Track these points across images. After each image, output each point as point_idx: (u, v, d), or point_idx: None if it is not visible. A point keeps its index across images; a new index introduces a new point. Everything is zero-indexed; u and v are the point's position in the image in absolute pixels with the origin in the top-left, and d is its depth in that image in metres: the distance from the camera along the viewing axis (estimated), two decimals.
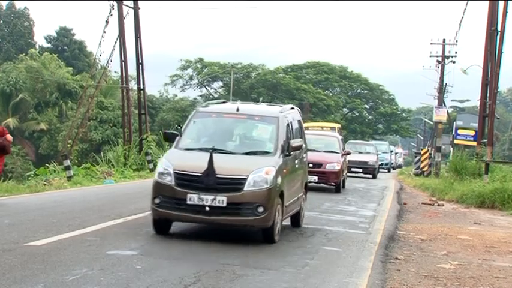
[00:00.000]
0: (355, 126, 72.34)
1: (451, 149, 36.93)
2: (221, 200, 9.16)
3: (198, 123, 10.70)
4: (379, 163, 37.87)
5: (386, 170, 43.19)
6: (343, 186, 21.67)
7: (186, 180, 9.33)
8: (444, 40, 43.87)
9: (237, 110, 10.61)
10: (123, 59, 28.53)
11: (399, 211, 16.52)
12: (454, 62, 43.45)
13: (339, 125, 42.31)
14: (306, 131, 26.08)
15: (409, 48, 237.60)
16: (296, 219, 11.69)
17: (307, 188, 12.43)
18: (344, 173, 21.55)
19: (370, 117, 76.53)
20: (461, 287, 8.06)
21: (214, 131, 10.62)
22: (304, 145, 11.59)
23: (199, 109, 11.12)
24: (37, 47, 67.51)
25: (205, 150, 9.70)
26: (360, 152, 32.84)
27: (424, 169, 35.94)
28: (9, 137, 13.84)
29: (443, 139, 38.88)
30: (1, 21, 68.89)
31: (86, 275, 7.10)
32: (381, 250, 10.15)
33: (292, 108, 11.80)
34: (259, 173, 9.33)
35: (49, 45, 67.85)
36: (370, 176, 31.55)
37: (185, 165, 9.50)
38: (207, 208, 9.17)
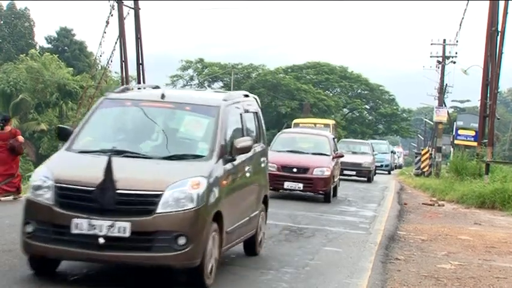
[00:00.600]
0: (356, 127, 72.31)
1: (452, 149, 36.97)
2: (122, 227, 6.26)
3: (105, 114, 7.73)
4: (379, 164, 36.12)
5: (387, 172, 39.66)
6: (335, 195, 18.12)
7: (71, 197, 6.42)
8: (444, 40, 43.88)
9: (162, 97, 7.63)
10: (123, 59, 28.56)
11: (399, 211, 16.51)
12: (454, 63, 43.46)
13: (334, 122, 38.55)
14: (292, 129, 23.60)
15: (409, 48, 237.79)
16: (250, 245, 8.70)
17: (267, 204, 9.29)
18: (336, 179, 18.02)
19: (370, 117, 76.53)
20: (462, 287, 8.06)
21: (126, 126, 7.73)
22: (264, 146, 9.15)
23: (109, 95, 8.04)
24: (37, 47, 67.50)
25: (106, 153, 6.88)
26: (353, 152, 29.02)
27: (425, 169, 35.93)
28: (20, 138, 14.24)
29: (444, 139, 38.87)
30: (2, 22, 68.92)
31: (88, 275, 7.11)
32: (381, 250, 10.15)
33: (247, 95, 8.96)
34: (182, 187, 6.44)
35: (49, 45, 67.87)
36: (365, 179, 27.87)
37: (72, 176, 6.59)
38: (101, 240, 6.25)
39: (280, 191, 16.90)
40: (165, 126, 7.55)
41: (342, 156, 18.97)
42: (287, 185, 16.46)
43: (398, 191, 24.12)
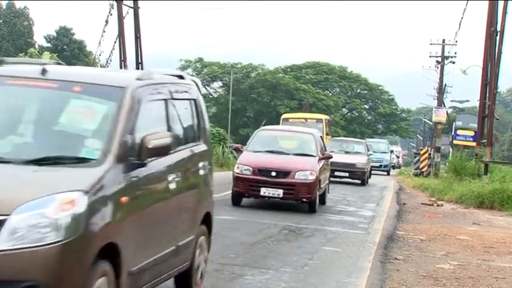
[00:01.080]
0: (355, 127, 72.36)
1: (451, 149, 36.96)
2: None
3: None
4: (377, 164, 35.20)
5: (385, 173, 38.24)
6: (323, 202, 15.72)
7: None
8: (444, 40, 43.96)
9: (43, 72, 5.26)
10: (122, 58, 28.56)
11: (398, 211, 16.52)
12: (453, 63, 43.55)
13: (328, 117, 35.17)
14: (272, 126, 20.56)
15: (409, 48, 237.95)
16: (182, 282, 6.30)
17: (211, 224, 6.80)
18: (324, 185, 15.43)
19: (369, 117, 76.61)
20: (460, 287, 8.06)
21: None
22: (205, 146, 6.67)
23: None
24: (37, 46, 67.42)
25: None
26: (346, 152, 26.99)
27: (424, 169, 35.97)
28: None
29: (443, 139, 38.89)
30: (1, 21, 68.89)
31: None
32: (380, 250, 10.16)
33: (181, 77, 6.51)
34: (42, 209, 4.16)
35: (49, 44, 67.86)
36: (359, 181, 25.70)
37: None
38: None
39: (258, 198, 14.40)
40: (40, 114, 5.23)
41: (330, 157, 15.94)
42: (264, 191, 13.84)
43: (397, 191, 24.13)
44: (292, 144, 15.65)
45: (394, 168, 48.16)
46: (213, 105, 67.05)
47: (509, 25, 24.21)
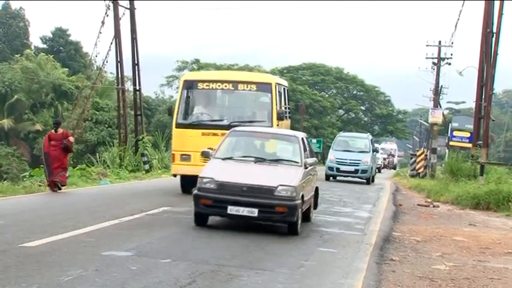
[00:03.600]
0: (351, 128, 72.36)
1: (447, 150, 37.05)
2: None
3: None
4: (352, 169, 27.81)
5: (365, 181, 28.03)
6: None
7: None
8: (440, 42, 44.02)
9: None
10: (119, 59, 28.50)
11: (394, 212, 16.54)
12: (449, 64, 43.63)
13: (282, 82, 18.69)
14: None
15: (405, 49, 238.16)
16: None
17: None
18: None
19: (366, 118, 76.67)
20: None
21: None
22: None
23: None
24: (33, 47, 67.35)
25: None
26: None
27: (420, 170, 36.03)
28: (71, 138, 16.72)
29: (439, 141, 38.99)
30: None
31: (81, 276, 7.09)
32: (376, 251, 10.17)
33: None
34: None
35: (45, 45, 67.74)
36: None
37: None
38: None
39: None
40: None
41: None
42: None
43: (393, 192, 24.17)
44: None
45: (380, 172, 44.09)
46: None
47: (505, 26, 24.23)
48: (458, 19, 42.20)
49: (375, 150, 30.59)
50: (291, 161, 11.65)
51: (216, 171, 10.98)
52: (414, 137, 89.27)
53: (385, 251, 10.39)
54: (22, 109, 55.16)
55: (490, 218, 16.70)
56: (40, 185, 18.03)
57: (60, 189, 16.33)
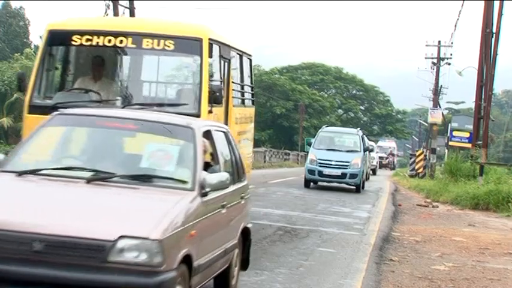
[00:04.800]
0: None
1: (446, 150, 37.04)
2: None
3: None
4: (339, 173, 21.91)
5: (354, 186, 22.42)
6: None
7: None
8: (439, 42, 44.08)
9: None
10: None
11: (394, 212, 16.54)
12: (449, 64, 43.70)
13: (216, 36, 9.61)
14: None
15: (404, 49, 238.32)
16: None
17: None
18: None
19: (365, 118, 76.63)
20: None
21: None
22: None
23: None
24: (32, 46, 67.29)
25: None
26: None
27: (419, 170, 36.04)
28: None
29: (438, 141, 39.02)
30: None
31: None
32: (376, 251, 10.16)
33: None
34: None
35: None
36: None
37: None
38: None
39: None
40: None
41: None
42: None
43: (392, 192, 24.15)
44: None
45: (374, 174, 38.87)
46: None
47: (504, 26, 24.24)
48: (457, 19, 42.47)
49: (368, 149, 24.98)
50: (171, 179, 5.59)
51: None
52: (413, 137, 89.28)
53: (385, 251, 10.39)
54: (21, 108, 55.19)
55: (490, 218, 16.69)
56: None
57: None
